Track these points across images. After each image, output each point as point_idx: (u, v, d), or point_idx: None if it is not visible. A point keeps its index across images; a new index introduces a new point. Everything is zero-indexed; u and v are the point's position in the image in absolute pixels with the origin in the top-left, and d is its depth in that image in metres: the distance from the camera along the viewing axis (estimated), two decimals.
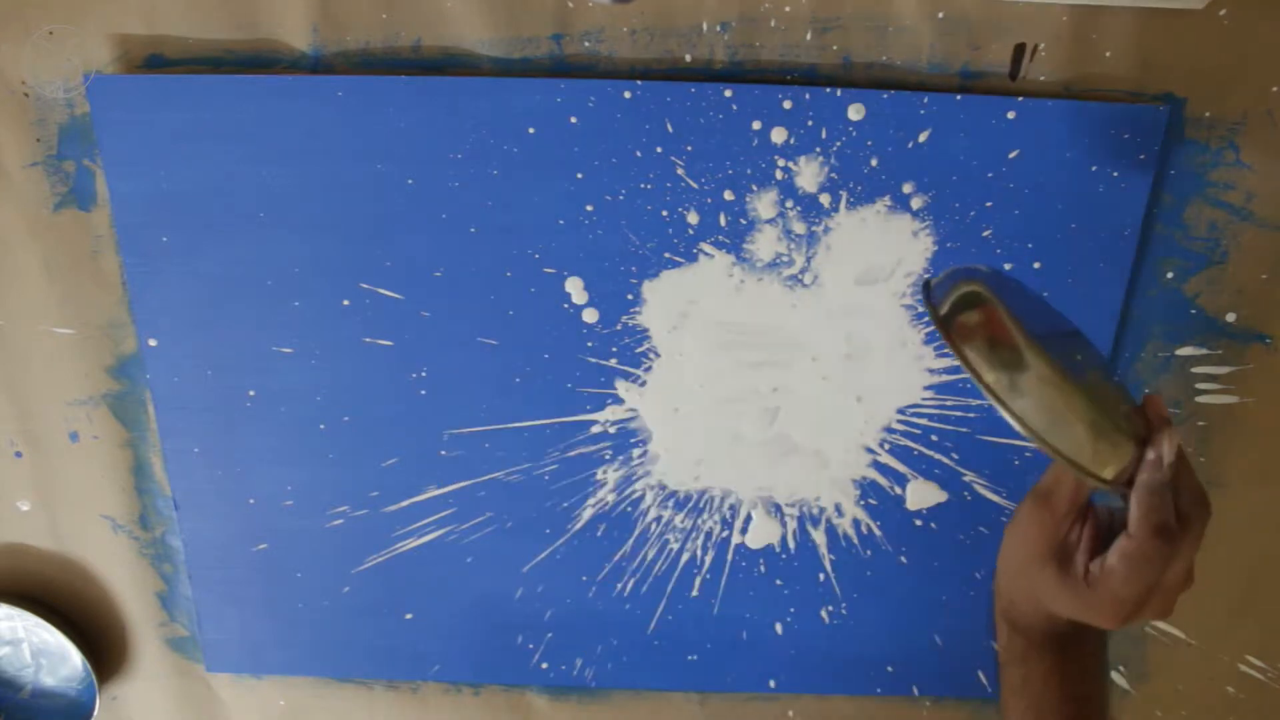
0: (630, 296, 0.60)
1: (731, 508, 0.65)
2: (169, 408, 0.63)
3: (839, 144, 0.56)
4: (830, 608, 0.67)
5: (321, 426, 0.63)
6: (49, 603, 0.69)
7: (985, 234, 0.58)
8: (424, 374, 0.62)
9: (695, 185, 0.57)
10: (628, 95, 0.55)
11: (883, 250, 0.59)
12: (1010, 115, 0.55)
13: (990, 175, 0.57)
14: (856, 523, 0.65)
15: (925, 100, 0.55)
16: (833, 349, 0.61)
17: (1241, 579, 0.66)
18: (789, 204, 0.58)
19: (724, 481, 0.64)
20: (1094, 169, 0.56)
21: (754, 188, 0.57)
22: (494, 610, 0.68)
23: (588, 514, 0.65)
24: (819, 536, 0.65)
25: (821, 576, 0.66)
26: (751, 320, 0.60)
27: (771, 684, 0.69)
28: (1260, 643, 0.69)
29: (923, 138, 0.56)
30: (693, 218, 0.58)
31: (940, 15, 0.55)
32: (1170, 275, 0.60)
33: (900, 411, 0.62)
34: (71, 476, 0.66)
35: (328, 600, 0.68)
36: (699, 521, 0.65)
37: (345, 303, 0.60)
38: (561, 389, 0.62)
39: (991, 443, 0.63)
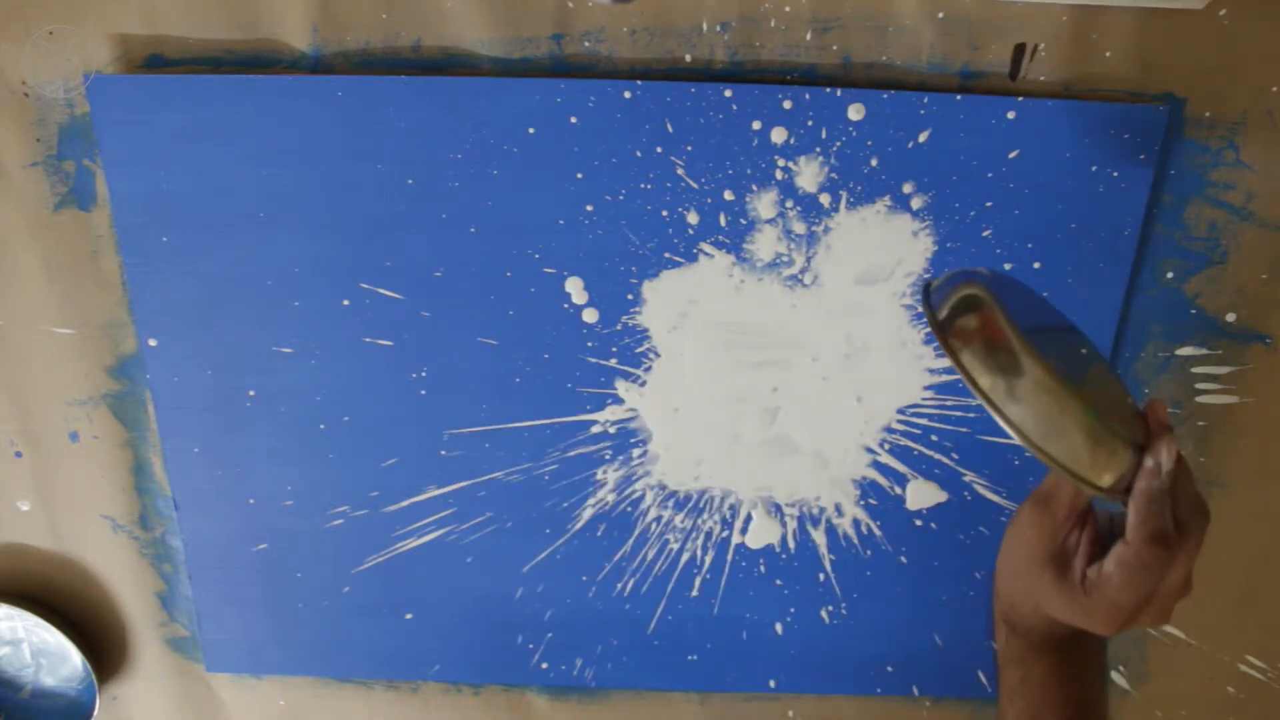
0: (630, 296, 0.60)
1: (731, 508, 0.65)
2: (169, 408, 0.63)
3: (839, 144, 0.56)
4: (830, 608, 0.67)
5: (321, 426, 0.63)
6: (49, 603, 0.69)
7: (985, 234, 0.58)
8: (424, 374, 0.62)
9: (695, 185, 0.57)
10: (628, 95, 0.55)
11: (883, 250, 0.59)
12: (1010, 115, 0.55)
13: (990, 175, 0.57)
14: (856, 523, 0.65)
15: (925, 100, 0.55)
16: (833, 349, 0.61)
17: (1241, 579, 0.66)
18: (789, 204, 0.58)
19: (724, 481, 0.64)
20: (1094, 169, 0.56)
21: (754, 188, 0.57)
22: (494, 610, 0.68)
23: (588, 514, 0.65)
24: (819, 536, 0.65)
25: (821, 576, 0.66)
26: (751, 320, 0.60)
27: (772, 684, 0.69)
28: (1260, 643, 0.69)
29: (923, 138, 0.56)
30: (693, 218, 0.58)
31: (940, 15, 0.55)
32: (1170, 275, 0.60)
33: (900, 411, 0.62)
34: (71, 476, 0.66)
35: (328, 600, 0.68)
36: (699, 521, 0.65)
37: (345, 303, 0.60)
38: (561, 389, 0.62)
39: (991, 443, 0.63)
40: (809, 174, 0.57)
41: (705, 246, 0.59)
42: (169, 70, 0.57)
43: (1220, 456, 0.64)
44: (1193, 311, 0.61)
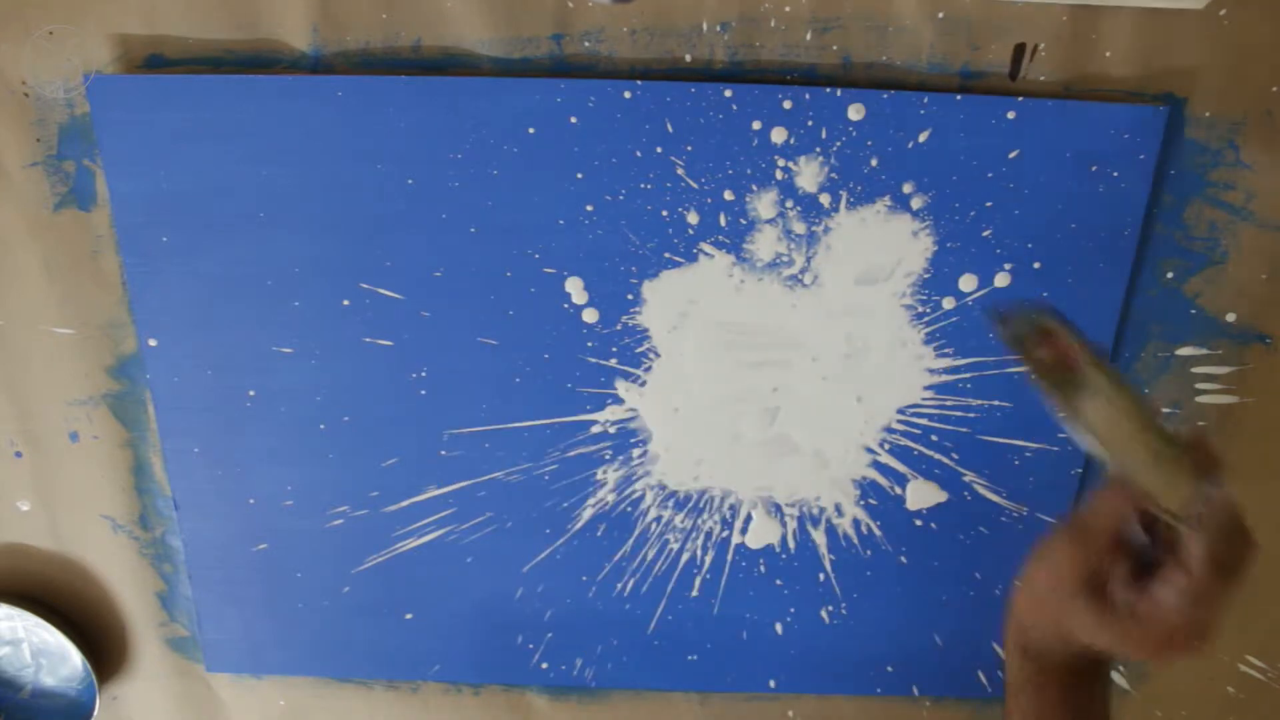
0: (630, 296, 0.60)
1: (731, 508, 0.65)
2: (169, 408, 0.63)
3: (839, 144, 0.56)
4: (830, 608, 0.67)
5: (321, 426, 0.63)
6: (49, 603, 0.69)
7: (985, 234, 0.58)
8: (424, 374, 0.62)
9: (695, 185, 0.57)
10: (628, 95, 0.55)
11: (883, 250, 0.59)
12: (1010, 115, 0.55)
13: (990, 175, 0.57)
14: (856, 523, 0.65)
15: (925, 100, 0.55)
16: (833, 349, 0.61)
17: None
18: (789, 204, 0.58)
19: (724, 481, 0.64)
20: (1094, 169, 0.56)
21: (754, 188, 0.57)
22: (494, 610, 0.68)
23: (588, 514, 0.65)
24: (819, 536, 0.65)
25: (821, 576, 0.66)
26: (751, 320, 0.60)
27: (772, 684, 0.69)
28: (1260, 643, 0.69)
29: (923, 138, 0.56)
30: (693, 218, 0.58)
31: (940, 15, 0.55)
32: (1170, 275, 0.60)
33: (900, 411, 0.62)
34: (71, 476, 0.66)
35: (328, 600, 0.68)
36: (699, 521, 0.65)
37: (345, 303, 0.60)
38: (561, 389, 0.62)
39: (991, 443, 0.63)
40: (809, 174, 0.57)
41: (705, 246, 0.59)
42: (169, 70, 0.57)
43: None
44: (1193, 311, 0.61)
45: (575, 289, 0.60)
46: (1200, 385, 0.62)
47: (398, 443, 0.63)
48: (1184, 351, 0.62)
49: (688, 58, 0.56)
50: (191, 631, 0.70)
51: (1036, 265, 0.59)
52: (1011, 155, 0.56)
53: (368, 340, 0.61)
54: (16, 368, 0.63)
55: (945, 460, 0.63)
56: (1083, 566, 0.44)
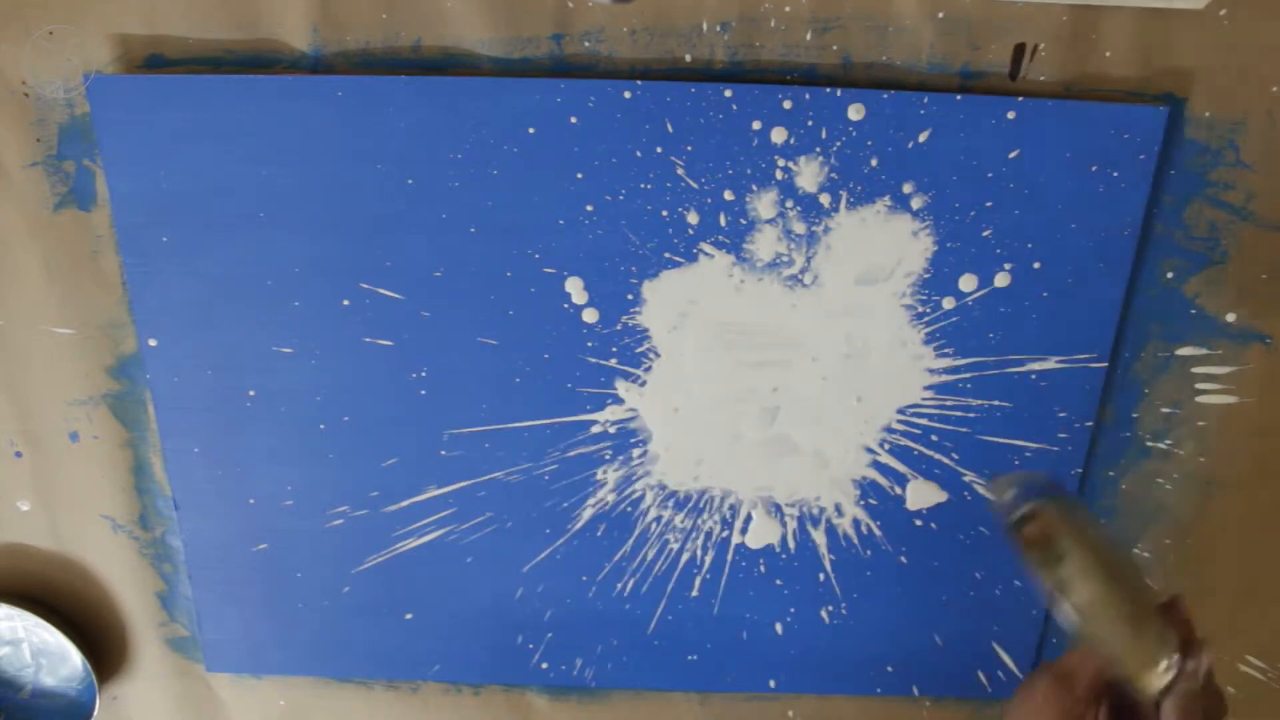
0: (630, 296, 0.60)
1: (731, 508, 0.65)
2: (169, 408, 0.63)
3: (839, 144, 0.56)
4: (830, 608, 0.67)
5: (321, 426, 0.63)
6: (49, 603, 0.69)
7: (985, 234, 0.58)
8: (424, 374, 0.62)
9: (695, 185, 0.57)
10: (628, 95, 0.55)
11: (883, 250, 0.59)
12: (1010, 115, 0.55)
13: (990, 175, 0.57)
14: (856, 523, 0.65)
15: (925, 100, 0.55)
16: (833, 349, 0.61)
17: (1241, 579, 0.66)
18: (789, 204, 0.58)
19: (724, 481, 0.64)
20: (1094, 169, 0.56)
21: (754, 188, 0.57)
22: (494, 610, 0.68)
23: (588, 514, 0.65)
24: (819, 536, 0.65)
25: (821, 576, 0.66)
26: (751, 320, 0.60)
27: (772, 684, 0.69)
28: (1260, 643, 0.69)
29: (923, 138, 0.56)
30: (693, 218, 0.58)
31: (940, 15, 0.55)
32: (1170, 275, 0.60)
33: (900, 411, 0.62)
34: (71, 476, 0.66)
35: (328, 600, 0.68)
36: (699, 521, 0.65)
37: (345, 303, 0.60)
38: (561, 389, 0.62)
39: (991, 443, 0.63)
40: (809, 174, 0.57)
41: (705, 246, 0.59)
42: (169, 70, 0.57)
43: (1220, 456, 0.64)
44: (1193, 311, 0.61)
45: (575, 289, 0.60)
46: (1200, 385, 0.62)
47: (398, 443, 0.63)
48: (1184, 351, 0.62)
49: (688, 58, 0.56)
50: (191, 631, 0.70)
51: (1036, 265, 0.59)
52: (1011, 155, 0.56)
53: (368, 340, 0.61)
54: (16, 368, 0.63)
55: (945, 460, 0.63)
56: (1067, 714, 0.46)
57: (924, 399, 0.62)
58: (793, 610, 0.67)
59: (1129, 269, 0.59)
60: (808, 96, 0.55)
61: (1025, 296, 0.59)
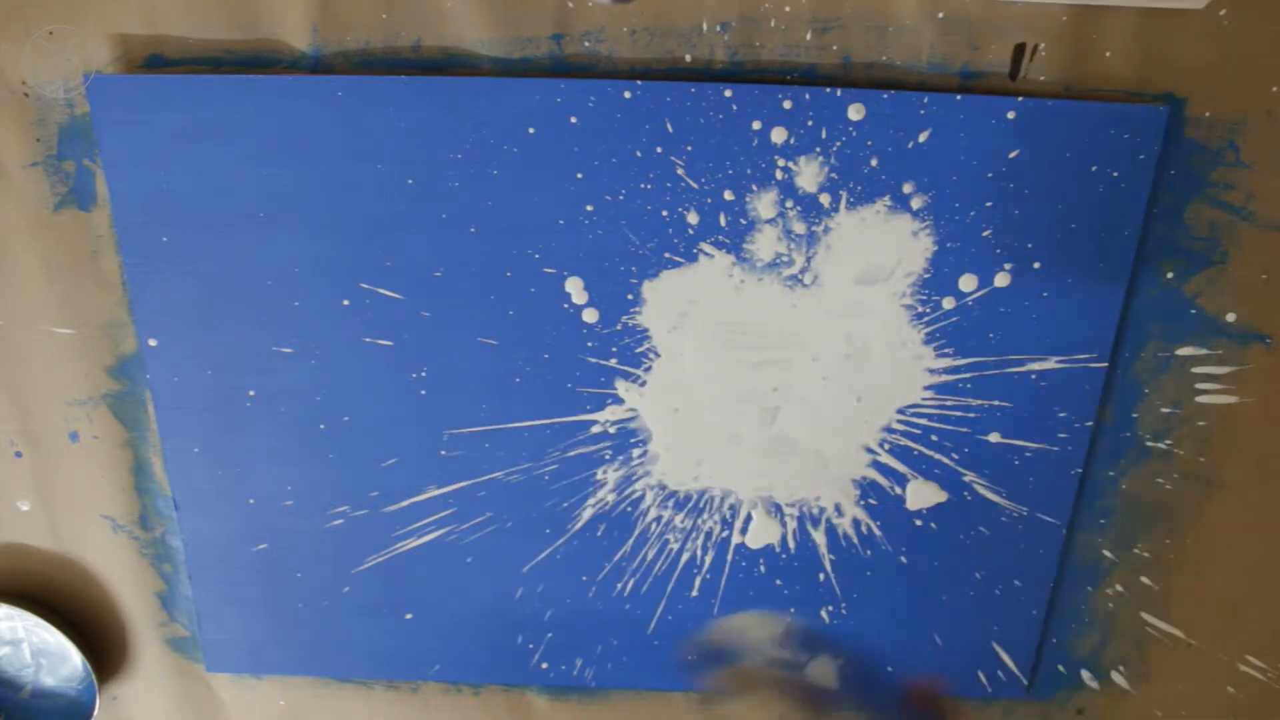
0: (630, 296, 0.60)
1: (731, 508, 0.65)
2: (169, 408, 0.63)
3: (839, 144, 0.56)
4: (830, 608, 0.67)
5: (321, 426, 0.63)
6: (49, 603, 0.69)
7: (985, 234, 0.58)
8: (424, 374, 0.62)
9: (695, 185, 0.57)
10: (628, 95, 0.55)
11: (883, 250, 0.59)
12: (1010, 115, 0.55)
13: (990, 175, 0.57)
14: (856, 523, 0.65)
15: (925, 100, 0.55)
16: (833, 349, 0.61)
17: (1241, 579, 0.66)
18: (789, 204, 0.58)
19: (724, 481, 0.64)
20: (1094, 169, 0.56)
21: (754, 188, 0.57)
22: (494, 610, 0.68)
23: (588, 514, 0.65)
24: (819, 536, 0.65)
25: (821, 576, 0.66)
26: (751, 320, 0.60)
27: None
28: (1260, 643, 0.69)
29: (923, 138, 0.56)
30: (693, 218, 0.58)
31: (940, 15, 0.55)
32: (1170, 275, 0.60)
33: (900, 411, 0.62)
34: (71, 476, 0.66)
35: (328, 600, 0.68)
36: (699, 521, 0.65)
37: (345, 303, 0.60)
38: (561, 389, 0.62)
39: (991, 443, 0.63)
40: (809, 174, 0.57)
41: (705, 246, 0.59)
42: (169, 70, 0.57)
43: (1220, 456, 0.64)
44: (1193, 311, 0.61)
45: (575, 289, 0.60)
46: (1200, 385, 0.62)
47: (398, 443, 0.63)
48: (1184, 351, 0.62)
49: (688, 58, 0.56)
50: (191, 631, 0.70)
51: (1036, 265, 0.59)
52: (1011, 155, 0.56)
53: (368, 340, 0.61)
54: (16, 368, 0.63)
55: (945, 460, 0.63)
56: None
57: (924, 399, 0.62)
58: (792, 610, 0.67)
59: (1129, 269, 0.59)
60: (808, 96, 0.55)
61: (1025, 296, 0.59)
